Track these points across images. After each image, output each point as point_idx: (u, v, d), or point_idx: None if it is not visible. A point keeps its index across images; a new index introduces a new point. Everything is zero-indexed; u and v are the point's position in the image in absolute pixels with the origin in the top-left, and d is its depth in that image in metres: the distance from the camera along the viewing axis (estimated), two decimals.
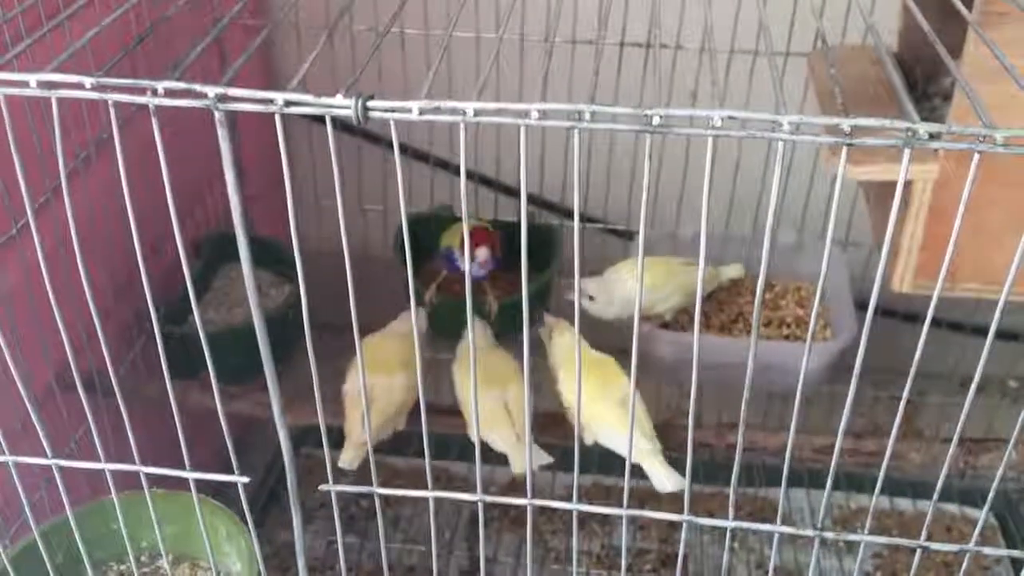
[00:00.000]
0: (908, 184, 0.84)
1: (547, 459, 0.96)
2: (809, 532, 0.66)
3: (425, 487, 0.67)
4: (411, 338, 1.03)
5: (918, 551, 0.66)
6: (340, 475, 0.70)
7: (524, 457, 0.95)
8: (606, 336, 1.09)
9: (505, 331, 1.18)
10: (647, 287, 1.13)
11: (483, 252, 1.16)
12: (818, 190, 1.29)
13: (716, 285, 1.28)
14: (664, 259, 1.23)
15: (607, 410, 0.98)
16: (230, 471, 0.66)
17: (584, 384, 0.97)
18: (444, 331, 1.16)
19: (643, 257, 0.59)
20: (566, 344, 1.06)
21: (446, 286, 1.27)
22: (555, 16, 0.68)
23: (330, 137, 0.52)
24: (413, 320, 0.61)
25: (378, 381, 1.02)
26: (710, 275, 1.25)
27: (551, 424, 1.06)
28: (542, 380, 1.08)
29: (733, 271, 1.29)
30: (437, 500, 0.68)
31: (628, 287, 1.16)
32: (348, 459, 0.97)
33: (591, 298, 1.16)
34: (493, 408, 0.99)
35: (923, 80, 0.98)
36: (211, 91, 0.50)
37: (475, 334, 1.11)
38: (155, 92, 0.51)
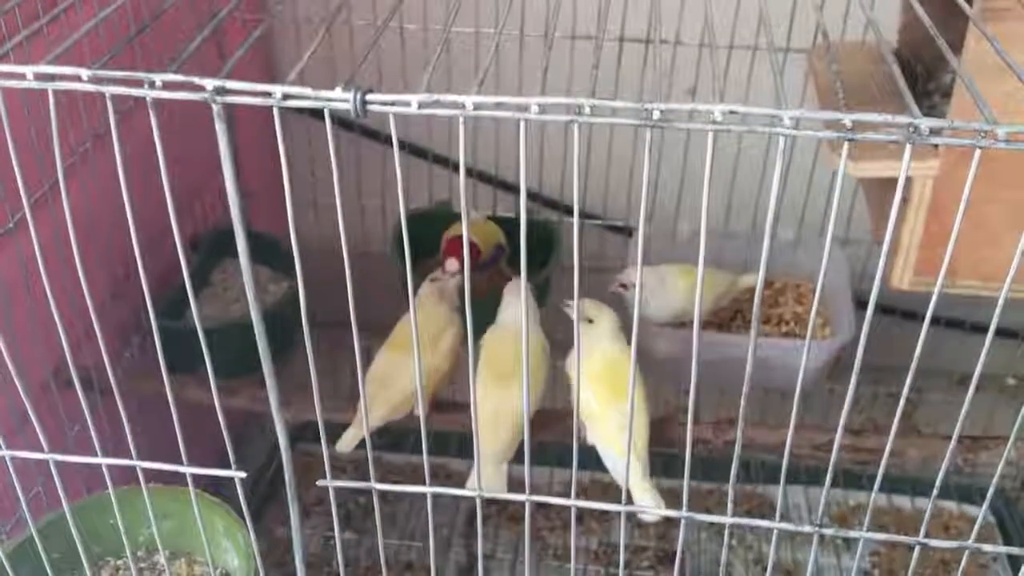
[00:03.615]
0: (908, 181, 0.84)
1: (502, 484, 0.97)
2: (808, 528, 0.66)
3: (423, 483, 0.67)
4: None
5: (916, 548, 0.65)
6: (338, 471, 0.70)
7: (480, 476, 0.95)
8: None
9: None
10: (693, 294, 1.11)
11: (453, 263, 1.17)
12: (817, 187, 1.29)
13: (736, 293, 1.25)
14: (692, 267, 1.20)
15: (606, 422, 0.96)
16: (228, 466, 0.66)
17: (596, 387, 0.97)
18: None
19: (642, 256, 0.59)
20: (604, 328, 1.01)
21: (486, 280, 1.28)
22: (555, 11, 0.67)
23: (328, 131, 0.52)
24: (413, 318, 0.61)
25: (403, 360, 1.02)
26: (730, 282, 1.23)
27: (550, 421, 1.06)
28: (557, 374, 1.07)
29: (751, 280, 1.24)
30: (435, 496, 0.68)
31: (680, 290, 1.16)
32: (346, 442, 0.98)
33: (626, 287, 1.14)
34: (490, 410, 0.98)
35: (923, 77, 0.98)
36: (209, 84, 0.50)
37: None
38: (153, 85, 0.50)
